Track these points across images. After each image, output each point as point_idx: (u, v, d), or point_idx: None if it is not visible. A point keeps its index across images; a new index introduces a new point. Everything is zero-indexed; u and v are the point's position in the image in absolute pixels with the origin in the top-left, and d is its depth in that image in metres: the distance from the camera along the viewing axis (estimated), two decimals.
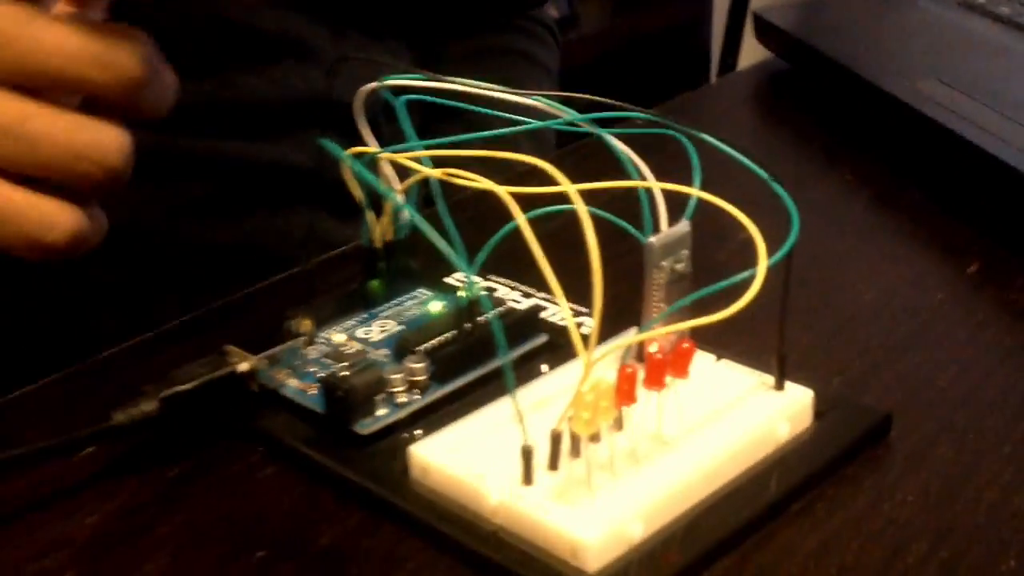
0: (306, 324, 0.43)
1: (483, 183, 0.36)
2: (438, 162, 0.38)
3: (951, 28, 0.74)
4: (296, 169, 0.65)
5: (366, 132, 0.42)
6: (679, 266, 0.39)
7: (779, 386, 0.39)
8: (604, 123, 0.37)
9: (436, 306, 0.46)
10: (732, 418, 0.38)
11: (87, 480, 0.39)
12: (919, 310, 0.47)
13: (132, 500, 0.38)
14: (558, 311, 0.46)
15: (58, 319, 0.62)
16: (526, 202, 0.35)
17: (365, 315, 0.46)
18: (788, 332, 0.39)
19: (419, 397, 0.41)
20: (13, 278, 0.58)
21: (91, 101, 0.41)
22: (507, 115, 0.39)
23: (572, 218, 0.34)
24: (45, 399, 0.44)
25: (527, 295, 0.47)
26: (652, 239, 0.38)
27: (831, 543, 0.35)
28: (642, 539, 0.34)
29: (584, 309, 0.44)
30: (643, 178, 0.37)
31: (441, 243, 0.36)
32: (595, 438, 0.35)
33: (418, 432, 0.39)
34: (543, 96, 0.37)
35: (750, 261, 0.35)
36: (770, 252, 0.35)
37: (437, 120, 0.68)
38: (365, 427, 0.39)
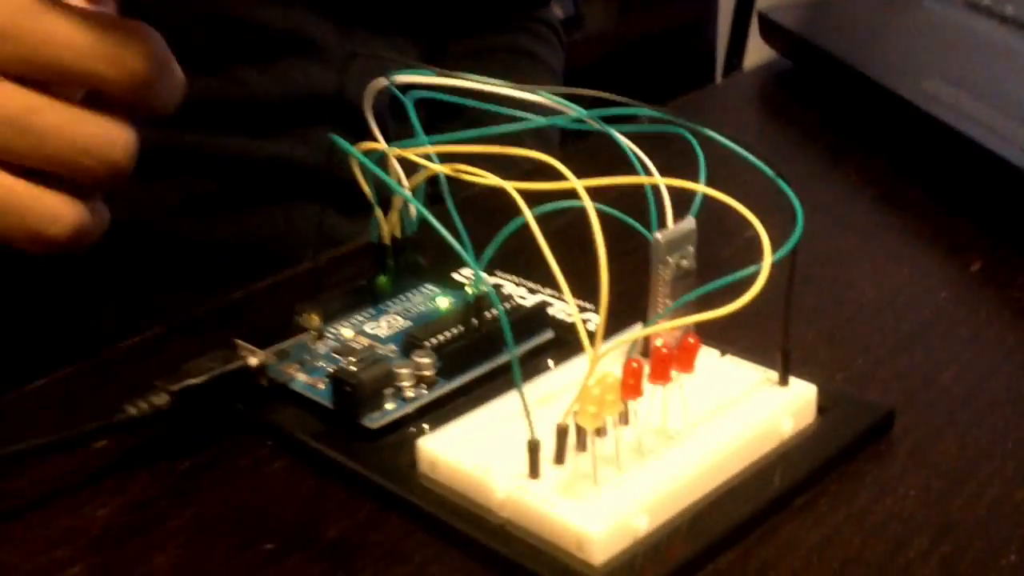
0: (315, 319, 0.44)
1: (491, 179, 0.36)
2: (444, 159, 0.39)
3: (956, 28, 0.74)
4: (301, 165, 0.65)
5: (375, 128, 0.43)
6: (685, 262, 0.39)
7: (783, 382, 0.40)
8: (610, 121, 0.38)
9: (444, 302, 0.46)
10: (736, 413, 0.38)
11: (99, 472, 0.40)
12: (922, 307, 0.48)
13: (143, 493, 0.39)
14: (564, 307, 0.46)
15: (63, 314, 0.62)
16: (533, 199, 0.35)
17: (373, 310, 0.46)
18: (792, 329, 0.39)
19: (427, 392, 0.41)
20: (18, 272, 0.59)
21: (99, 96, 0.41)
22: (513, 112, 0.40)
23: (579, 215, 0.34)
24: (57, 393, 0.45)
25: (533, 291, 0.47)
26: (658, 235, 0.38)
27: (834, 537, 0.35)
28: (647, 532, 0.35)
29: (590, 306, 0.45)
30: (649, 175, 0.38)
31: (449, 237, 0.36)
32: (601, 432, 0.36)
33: (426, 426, 0.39)
34: (552, 92, 0.38)
35: (755, 258, 0.35)
36: (775, 249, 0.36)
37: (441, 119, 0.68)
38: (373, 421, 0.40)
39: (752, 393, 0.39)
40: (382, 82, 0.40)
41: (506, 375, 0.41)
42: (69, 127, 0.40)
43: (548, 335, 0.44)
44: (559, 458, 0.36)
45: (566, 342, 0.44)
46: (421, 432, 0.39)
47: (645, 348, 0.40)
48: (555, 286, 0.34)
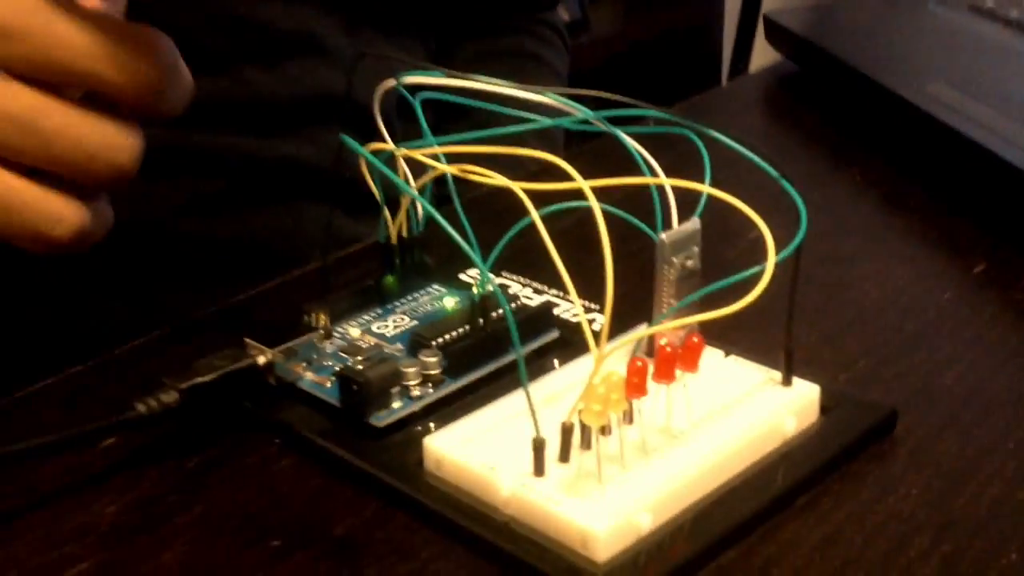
0: (323, 319, 0.44)
1: (498, 180, 0.36)
2: (451, 160, 0.39)
3: (960, 32, 0.74)
4: (308, 166, 0.65)
5: (383, 129, 0.43)
6: (689, 262, 0.39)
7: (786, 382, 0.40)
8: (616, 123, 0.38)
9: (450, 302, 0.46)
10: (740, 412, 0.39)
11: (107, 470, 0.40)
12: (925, 309, 0.48)
13: (151, 490, 0.39)
14: (570, 307, 0.46)
15: (71, 313, 0.62)
16: (540, 199, 0.36)
17: (380, 310, 0.46)
18: (796, 329, 0.40)
19: (433, 391, 0.41)
20: (25, 272, 0.59)
21: (106, 98, 0.41)
22: (519, 113, 0.40)
23: (584, 217, 0.35)
24: (67, 391, 0.45)
25: (539, 292, 0.48)
26: (663, 235, 0.38)
27: (836, 536, 0.35)
28: (651, 530, 0.35)
29: (595, 306, 0.45)
30: (654, 175, 0.38)
31: (456, 236, 0.37)
32: (605, 431, 0.36)
33: (432, 425, 0.40)
34: (558, 93, 0.38)
35: (759, 259, 0.36)
36: (778, 250, 0.36)
37: (448, 120, 0.69)
38: (380, 420, 0.40)
39: (755, 393, 0.40)
40: (391, 82, 0.41)
41: (512, 374, 0.41)
42: (75, 129, 0.40)
43: (554, 335, 0.45)
44: (564, 456, 0.36)
45: (571, 342, 0.44)
46: (427, 430, 0.39)
47: (650, 348, 0.40)
48: (561, 287, 0.35)
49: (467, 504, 0.36)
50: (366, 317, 0.46)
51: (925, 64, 0.68)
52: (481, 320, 0.43)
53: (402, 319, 0.45)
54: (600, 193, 0.35)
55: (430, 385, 0.41)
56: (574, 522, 0.34)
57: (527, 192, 0.35)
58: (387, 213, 0.46)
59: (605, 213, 0.34)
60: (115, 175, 0.41)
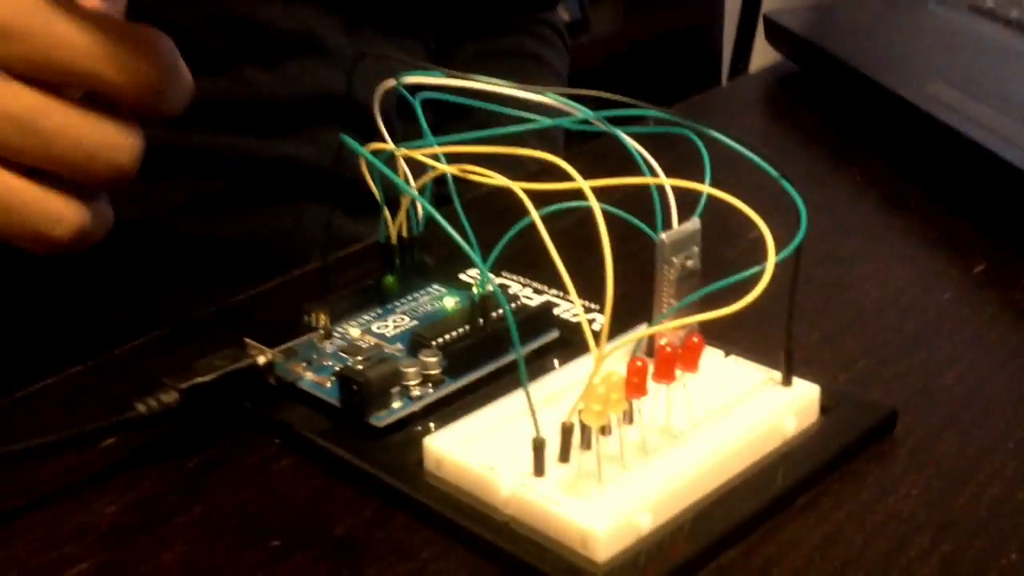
0: (323, 319, 0.44)
1: (498, 180, 0.36)
2: (451, 160, 0.39)
3: (960, 32, 0.74)
4: (308, 166, 0.65)
5: (383, 129, 0.43)
6: (689, 262, 0.39)
7: (786, 382, 0.40)
8: (616, 123, 0.38)
9: (450, 302, 0.46)
10: (740, 412, 0.39)
11: (108, 469, 0.40)
12: (926, 309, 0.48)
13: (151, 490, 0.39)
14: (570, 307, 0.46)
15: (71, 313, 0.62)
16: (540, 199, 0.36)
17: (380, 310, 0.46)
18: (796, 330, 0.40)
19: (433, 391, 0.41)
20: (26, 272, 0.59)
21: (106, 98, 0.41)
22: (519, 113, 0.40)
23: (585, 217, 0.35)
24: (67, 391, 0.45)
25: (539, 292, 0.48)
26: (663, 235, 0.38)
27: (836, 536, 0.36)
28: (651, 530, 0.35)
29: (595, 306, 0.45)
30: (655, 175, 0.38)
31: (456, 236, 0.37)
32: (605, 431, 0.36)
33: (432, 425, 0.40)
34: (558, 93, 0.38)
35: (759, 259, 0.36)
36: (778, 249, 0.36)
37: (448, 120, 0.69)
38: (380, 420, 0.40)
39: (755, 393, 0.40)
40: (391, 82, 0.41)
41: (512, 374, 0.41)
42: (75, 130, 0.40)
43: (554, 335, 0.45)
44: (564, 456, 0.36)
45: (572, 342, 0.44)
46: (427, 430, 0.39)
47: (650, 348, 0.40)
48: (561, 287, 0.35)
49: (467, 504, 0.36)
50: (366, 317, 0.46)
51: (925, 64, 0.68)
52: (481, 320, 0.43)
53: (402, 319, 0.46)
54: (600, 193, 0.35)
55: (430, 385, 0.41)
56: (574, 522, 0.34)
57: (527, 192, 0.35)
58: (387, 213, 0.46)
59: (605, 213, 0.34)
60: (115, 175, 0.41)
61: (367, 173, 0.43)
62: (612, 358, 0.35)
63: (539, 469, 0.36)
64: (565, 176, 0.35)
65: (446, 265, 0.48)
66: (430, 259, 0.48)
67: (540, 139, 0.73)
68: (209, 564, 0.36)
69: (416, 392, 0.41)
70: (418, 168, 0.41)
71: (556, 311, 0.46)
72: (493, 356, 0.43)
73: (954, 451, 0.39)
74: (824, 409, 0.40)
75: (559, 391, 0.39)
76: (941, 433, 0.40)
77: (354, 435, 0.40)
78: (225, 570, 0.36)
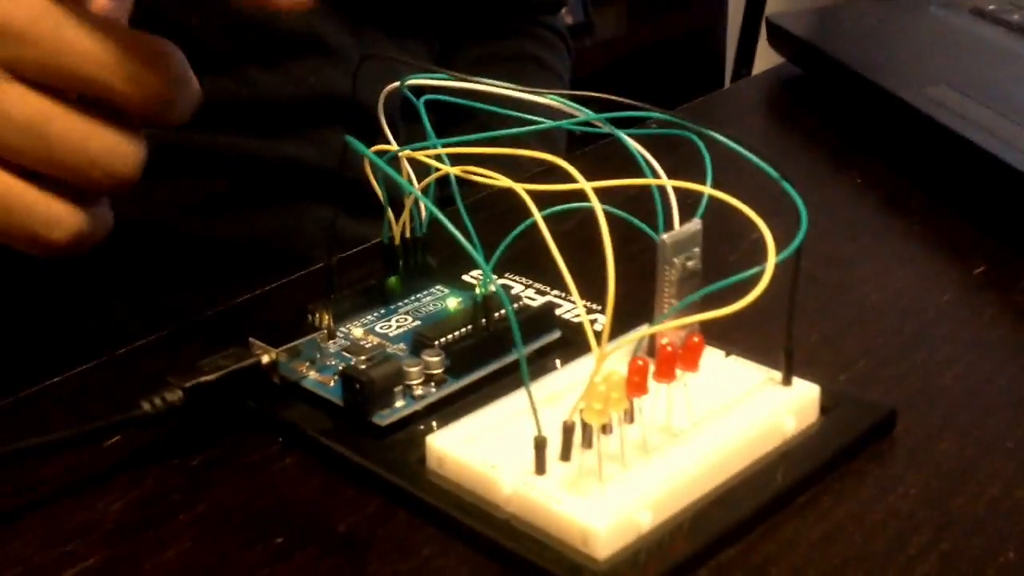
0: (326, 319, 0.44)
1: (502, 180, 0.37)
2: (455, 161, 0.39)
3: (961, 34, 0.74)
4: (311, 167, 0.65)
5: (387, 131, 0.43)
6: (690, 263, 0.39)
7: (786, 382, 0.40)
8: (619, 124, 0.38)
9: (453, 302, 0.47)
10: (740, 412, 0.39)
11: (112, 468, 0.40)
12: (925, 310, 0.48)
13: (155, 487, 0.39)
14: (572, 308, 0.47)
15: (74, 313, 0.62)
16: (542, 201, 0.36)
17: (384, 310, 0.46)
18: (797, 330, 0.40)
19: (435, 390, 0.41)
20: (30, 272, 0.59)
21: (113, 106, 0.41)
22: (522, 115, 0.40)
23: (587, 218, 0.35)
24: (74, 389, 0.45)
25: (542, 293, 0.48)
26: (664, 236, 0.39)
27: (835, 534, 0.36)
28: (651, 528, 0.35)
29: (597, 307, 0.45)
30: (656, 176, 0.38)
31: (459, 235, 0.37)
32: (606, 429, 0.36)
33: (434, 424, 0.40)
34: (560, 95, 0.38)
35: (760, 260, 0.36)
36: (779, 250, 0.36)
37: (451, 122, 0.69)
38: (383, 418, 0.40)
39: (756, 392, 0.40)
40: (396, 85, 0.41)
41: (514, 374, 0.42)
42: (80, 136, 0.40)
43: (556, 335, 0.45)
44: (565, 455, 0.36)
45: (574, 342, 0.44)
46: (429, 429, 0.40)
47: (651, 348, 0.40)
48: (564, 288, 0.35)
49: (469, 502, 0.37)
50: (369, 317, 0.46)
51: (926, 67, 0.69)
52: (483, 320, 0.43)
53: (405, 319, 0.46)
54: (603, 195, 0.35)
55: (432, 384, 0.42)
56: (575, 520, 0.34)
57: (530, 193, 0.36)
58: (391, 214, 0.46)
59: (607, 214, 0.35)
60: (115, 182, 0.41)
61: (371, 174, 0.43)
62: (613, 357, 0.35)
63: (540, 467, 0.36)
64: (567, 177, 0.36)
65: (449, 266, 0.48)
66: (433, 260, 0.48)
67: (541, 141, 0.73)
68: (212, 561, 0.36)
69: (419, 391, 0.41)
70: (421, 170, 0.41)
71: (558, 312, 0.46)
72: (495, 356, 0.43)
73: (953, 451, 0.39)
74: (824, 409, 0.40)
75: (560, 390, 0.39)
76: (940, 433, 0.40)
77: (357, 434, 0.40)
78: (228, 567, 0.36)
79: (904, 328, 0.47)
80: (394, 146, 0.41)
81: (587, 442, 0.36)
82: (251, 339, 0.42)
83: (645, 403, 0.37)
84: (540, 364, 0.43)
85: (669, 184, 0.38)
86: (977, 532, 0.36)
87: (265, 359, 0.42)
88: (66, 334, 0.62)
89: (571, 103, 0.38)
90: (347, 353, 0.43)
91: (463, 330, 0.43)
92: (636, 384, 0.35)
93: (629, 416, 0.37)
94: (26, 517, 0.38)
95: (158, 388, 0.40)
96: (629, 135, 0.38)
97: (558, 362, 0.43)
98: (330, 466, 0.40)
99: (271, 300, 0.52)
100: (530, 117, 0.40)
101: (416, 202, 0.45)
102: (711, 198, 0.38)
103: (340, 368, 0.42)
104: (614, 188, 0.36)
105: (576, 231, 0.37)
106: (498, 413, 0.39)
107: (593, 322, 0.43)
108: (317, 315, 0.44)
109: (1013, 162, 0.53)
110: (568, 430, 0.36)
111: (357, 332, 0.45)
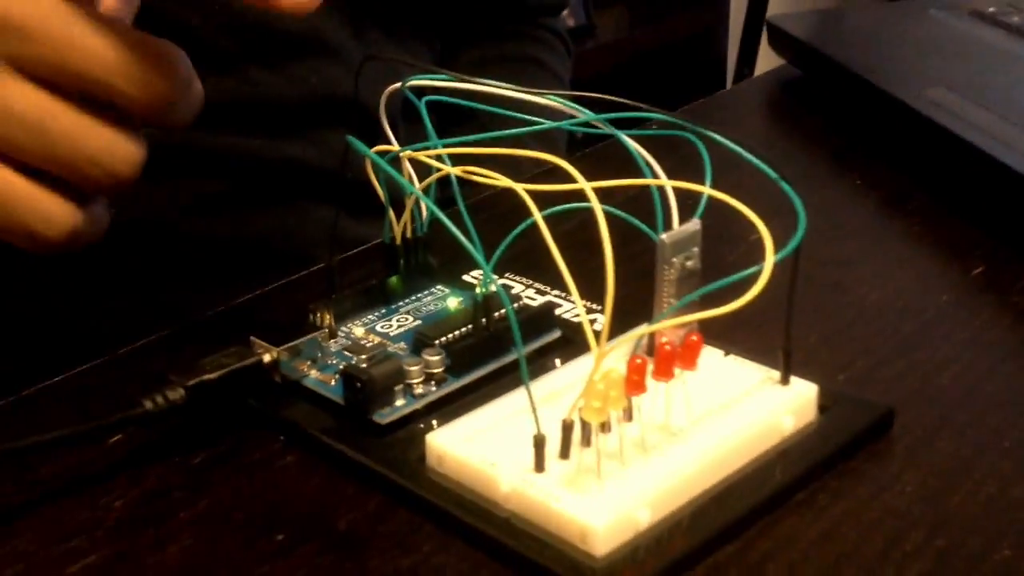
0: (328, 318, 0.44)
1: (502, 181, 0.37)
2: (456, 162, 0.39)
3: (961, 37, 0.75)
4: (312, 167, 0.66)
5: (389, 131, 0.43)
6: (689, 263, 0.40)
7: (784, 381, 0.40)
8: (619, 125, 0.38)
9: (453, 302, 0.47)
10: (738, 410, 0.39)
11: (115, 465, 0.41)
12: (924, 310, 0.48)
13: (158, 485, 0.40)
14: (572, 308, 0.47)
15: (76, 312, 0.63)
16: (543, 201, 0.36)
17: (385, 310, 0.47)
18: (796, 331, 0.40)
19: (435, 389, 0.42)
20: (32, 271, 0.59)
21: (116, 106, 0.41)
22: (523, 116, 0.40)
23: (587, 219, 0.35)
24: (76, 388, 0.46)
25: (542, 293, 0.48)
26: (663, 236, 0.39)
27: (832, 532, 0.36)
28: (649, 525, 0.35)
29: (597, 307, 0.46)
30: (656, 177, 0.38)
31: (459, 235, 0.37)
32: (605, 428, 0.36)
33: (434, 422, 0.40)
34: (561, 96, 0.38)
35: (759, 261, 0.36)
36: (778, 251, 0.36)
37: (452, 123, 0.69)
38: (383, 417, 0.40)
39: (754, 391, 0.40)
40: (398, 86, 0.41)
41: (513, 373, 0.42)
42: (80, 135, 0.40)
43: (555, 335, 0.45)
44: (564, 453, 0.36)
45: (573, 342, 0.45)
46: (429, 428, 0.40)
47: (650, 348, 0.40)
48: (564, 288, 0.35)
49: (468, 500, 0.37)
50: (370, 317, 0.46)
51: (926, 69, 0.69)
52: (484, 320, 0.43)
53: (406, 319, 0.46)
54: (603, 196, 0.35)
55: (433, 383, 0.42)
56: (573, 517, 0.35)
57: (530, 193, 0.36)
58: (392, 214, 0.46)
59: (607, 215, 0.35)
60: (114, 182, 0.41)
61: (372, 174, 0.43)
62: (612, 356, 0.35)
63: (539, 465, 0.36)
64: (568, 178, 0.36)
65: (450, 266, 0.49)
66: (434, 260, 0.48)
67: (541, 142, 0.73)
68: (214, 558, 0.36)
69: (419, 390, 0.42)
70: (423, 170, 0.41)
71: (558, 311, 0.46)
72: (495, 355, 0.43)
73: (950, 450, 0.39)
74: (822, 408, 0.40)
75: (560, 389, 0.39)
76: (938, 432, 0.40)
77: (357, 432, 0.40)
78: (230, 564, 0.36)
79: (903, 328, 0.47)
80: (395, 146, 0.41)
81: (586, 440, 0.36)
82: (253, 338, 0.43)
83: (644, 401, 0.37)
84: (540, 363, 0.43)
85: (668, 184, 0.38)
86: (973, 530, 0.36)
87: (267, 358, 0.42)
88: (68, 333, 0.62)
89: (572, 104, 0.38)
90: (348, 352, 0.44)
91: (463, 329, 0.43)
92: (635, 382, 0.36)
93: (628, 414, 0.37)
94: (29, 514, 0.39)
95: (160, 386, 0.40)
96: (629, 136, 0.38)
97: (558, 361, 0.43)
98: (331, 464, 0.40)
99: (272, 300, 0.52)
100: (531, 118, 0.40)
101: (417, 202, 0.46)
102: (711, 199, 0.38)
103: (341, 367, 0.42)
104: (615, 189, 0.36)
105: (576, 231, 0.37)
106: (498, 412, 0.39)
107: (593, 322, 0.43)
108: (318, 314, 0.45)
109: (1012, 164, 0.54)
110: (567, 428, 0.36)
111: (358, 331, 0.45)
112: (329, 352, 0.44)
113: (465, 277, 0.49)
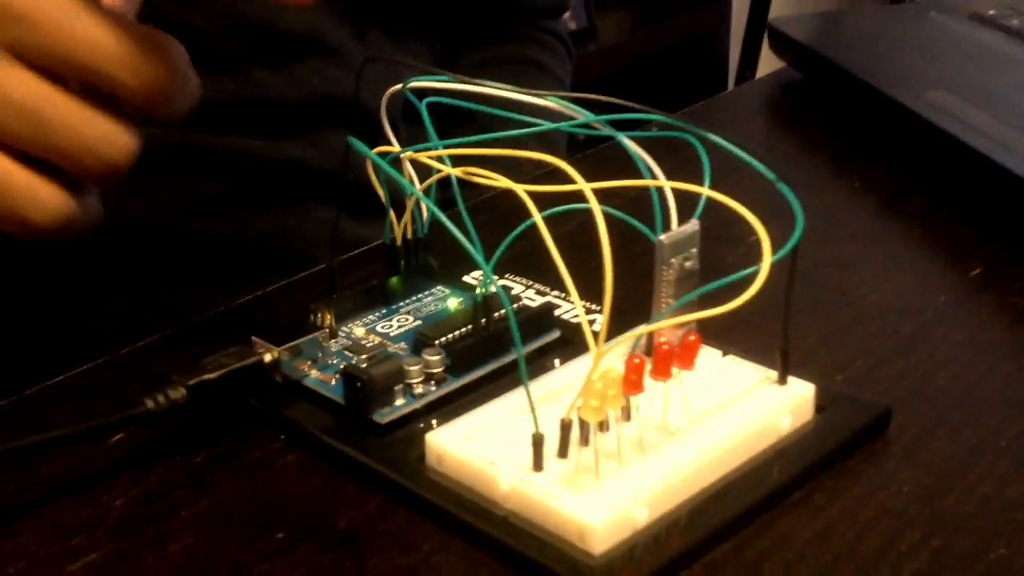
0: (328, 318, 0.45)
1: (502, 182, 0.37)
2: (456, 163, 0.40)
3: (961, 40, 0.75)
4: (312, 168, 0.66)
5: (390, 132, 0.43)
6: (688, 264, 0.40)
7: (782, 381, 0.41)
8: (619, 127, 0.38)
9: (453, 302, 0.47)
10: (736, 410, 0.39)
11: (116, 464, 0.41)
12: (922, 311, 0.48)
13: (159, 484, 0.40)
14: (571, 308, 0.47)
15: (76, 313, 0.63)
16: (543, 202, 0.36)
17: (385, 310, 0.47)
18: (794, 331, 0.40)
19: (435, 388, 0.42)
20: (32, 269, 0.60)
21: (113, 97, 0.41)
22: (523, 118, 0.40)
23: (587, 220, 0.35)
24: (77, 388, 0.46)
25: (542, 294, 0.48)
26: (662, 236, 0.39)
27: (828, 531, 0.36)
28: (646, 524, 0.35)
29: (596, 307, 0.46)
30: (655, 178, 0.38)
31: (459, 235, 0.37)
32: (603, 427, 0.36)
33: (434, 421, 0.40)
34: (561, 98, 0.39)
35: (758, 262, 0.36)
36: (776, 251, 0.36)
37: (452, 124, 0.69)
38: (383, 416, 0.41)
39: (752, 391, 0.40)
40: (397, 88, 0.41)
41: (513, 373, 0.42)
42: (76, 123, 0.40)
43: (555, 335, 0.45)
44: (562, 452, 0.37)
45: (573, 342, 0.45)
46: (429, 427, 0.40)
47: (648, 348, 0.41)
48: (564, 289, 0.35)
49: (467, 499, 0.37)
50: (371, 317, 0.46)
51: (926, 72, 0.69)
52: (483, 320, 0.44)
53: (406, 319, 0.46)
54: (603, 197, 0.35)
55: (433, 383, 0.42)
56: (572, 516, 0.35)
57: (530, 194, 0.36)
58: (392, 215, 0.46)
59: (606, 216, 0.35)
60: (108, 171, 0.41)
61: (373, 175, 0.43)
62: (611, 356, 0.35)
63: (538, 464, 0.36)
64: (568, 179, 0.36)
65: (450, 267, 0.49)
66: (434, 261, 0.48)
67: (542, 143, 0.73)
68: (215, 556, 0.37)
69: (419, 390, 0.42)
70: (423, 171, 0.41)
71: (558, 312, 0.47)
72: (495, 355, 0.43)
73: (946, 449, 0.40)
74: (819, 408, 0.41)
75: (559, 389, 0.40)
76: (934, 432, 0.40)
77: (358, 431, 0.41)
78: (230, 562, 0.36)
79: (901, 329, 0.47)
80: (396, 147, 0.42)
81: (584, 439, 0.37)
82: (253, 338, 0.43)
83: (642, 401, 0.37)
84: (539, 363, 0.43)
85: (667, 185, 0.38)
86: (969, 529, 0.36)
87: (267, 358, 0.42)
88: (69, 333, 0.62)
89: (572, 105, 0.38)
90: (348, 352, 0.44)
91: (463, 330, 0.43)
92: (633, 382, 0.36)
93: (626, 414, 0.37)
94: (30, 513, 0.39)
95: (161, 386, 0.41)
96: (629, 138, 0.38)
97: (557, 361, 0.44)
98: (331, 463, 0.40)
99: (273, 300, 0.52)
100: (531, 119, 0.40)
101: (418, 203, 0.46)
102: (710, 201, 0.38)
103: (341, 367, 0.42)
104: (614, 190, 0.37)
105: (576, 232, 0.37)
106: (497, 411, 0.40)
107: (592, 322, 0.43)
108: (319, 315, 0.45)
109: (1011, 166, 0.54)
110: (565, 428, 0.36)
111: (358, 331, 0.45)
112: (329, 352, 0.44)
113: (465, 278, 0.49)
